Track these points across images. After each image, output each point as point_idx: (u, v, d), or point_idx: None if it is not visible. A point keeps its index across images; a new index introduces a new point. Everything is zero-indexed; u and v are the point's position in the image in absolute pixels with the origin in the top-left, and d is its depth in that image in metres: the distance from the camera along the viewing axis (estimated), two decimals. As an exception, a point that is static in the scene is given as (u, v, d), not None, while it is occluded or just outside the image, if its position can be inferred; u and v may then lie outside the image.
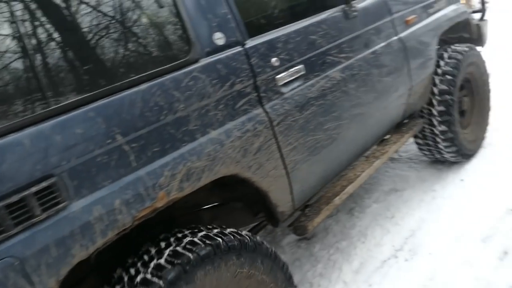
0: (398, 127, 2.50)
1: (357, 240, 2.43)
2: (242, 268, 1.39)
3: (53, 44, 1.16)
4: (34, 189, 1.03)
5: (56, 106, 1.11)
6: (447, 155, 2.75)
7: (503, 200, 2.47)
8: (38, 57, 1.12)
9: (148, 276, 1.20)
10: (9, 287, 0.98)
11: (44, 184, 1.04)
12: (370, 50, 2.11)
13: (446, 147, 2.66)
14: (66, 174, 1.09)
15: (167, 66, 1.33)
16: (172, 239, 1.33)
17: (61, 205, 1.07)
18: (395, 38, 2.30)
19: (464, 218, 2.40)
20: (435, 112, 2.57)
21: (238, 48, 1.53)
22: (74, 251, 1.07)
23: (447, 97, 2.57)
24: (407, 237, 2.37)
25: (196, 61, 1.40)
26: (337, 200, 1.87)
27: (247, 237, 1.44)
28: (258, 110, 1.55)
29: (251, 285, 1.43)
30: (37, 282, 1.02)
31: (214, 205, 1.79)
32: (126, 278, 1.25)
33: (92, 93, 1.17)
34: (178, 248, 1.26)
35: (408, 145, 3.36)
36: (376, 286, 2.08)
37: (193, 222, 1.55)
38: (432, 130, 2.61)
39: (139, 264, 1.27)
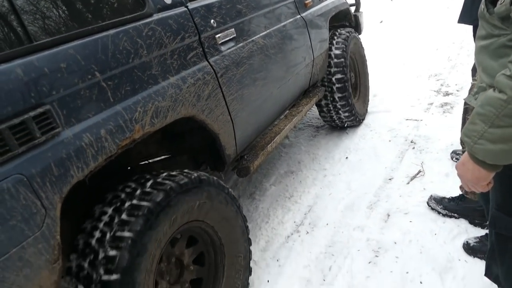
0: (305, 94, 2.91)
1: (261, 221, 2.59)
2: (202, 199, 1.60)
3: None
4: (32, 113, 1.10)
5: (40, 42, 1.19)
6: (344, 119, 3.25)
7: (380, 172, 2.88)
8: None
9: (135, 201, 1.35)
10: (21, 201, 1.04)
11: (40, 110, 1.12)
12: (282, 24, 2.45)
13: (344, 112, 3.16)
14: (56, 103, 1.18)
15: (129, 16, 1.47)
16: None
17: (56, 130, 1.16)
18: (298, 16, 2.69)
19: (352, 190, 2.73)
20: (334, 80, 3.04)
21: (183, 8, 1.72)
22: (72, 171, 1.17)
23: (342, 67, 3.06)
24: (306, 213, 2.61)
25: (150, 15, 1.56)
26: (269, 148, 2.16)
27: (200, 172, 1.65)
28: (205, 63, 1.76)
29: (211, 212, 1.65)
30: (43, 198, 1.09)
31: (162, 159, 1.94)
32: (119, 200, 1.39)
33: (70, 33, 1.27)
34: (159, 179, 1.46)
35: (297, 131, 3.76)
36: (283, 260, 2.26)
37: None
38: (333, 97, 3.08)
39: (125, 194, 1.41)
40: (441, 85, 4.28)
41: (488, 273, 1.49)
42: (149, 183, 1.47)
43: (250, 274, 1.95)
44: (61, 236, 1.15)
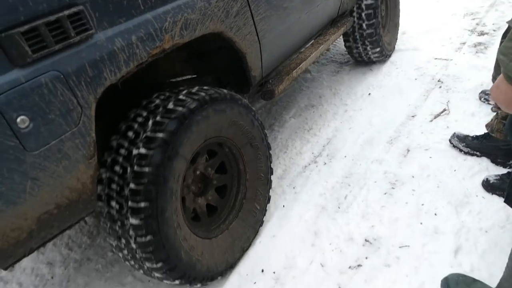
0: (333, 23, 2.83)
1: (280, 151, 2.64)
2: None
3: None
4: (66, 12, 1.11)
5: None
6: (370, 52, 3.17)
7: (403, 109, 2.85)
8: None
9: (170, 105, 1.41)
10: (59, 96, 1.09)
11: (73, 9, 1.13)
12: None
13: (370, 42, 3.06)
14: (89, 4, 1.18)
15: None
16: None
17: (89, 32, 1.17)
18: None
19: (373, 125, 2.74)
20: (363, 6, 2.93)
21: None
22: (105, 74, 1.20)
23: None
24: (324, 145, 2.64)
25: None
26: (294, 73, 2.15)
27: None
28: (234, -22, 1.71)
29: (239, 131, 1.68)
30: (79, 96, 1.14)
31: (188, 79, 1.95)
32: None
33: None
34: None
35: (320, 66, 3.65)
36: (299, 188, 2.31)
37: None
38: (361, 24, 2.97)
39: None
40: (477, 24, 4.06)
41: (508, 200, 1.52)
42: (183, 92, 1.52)
43: (269, 202, 2.02)
44: (96, 136, 1.20)
